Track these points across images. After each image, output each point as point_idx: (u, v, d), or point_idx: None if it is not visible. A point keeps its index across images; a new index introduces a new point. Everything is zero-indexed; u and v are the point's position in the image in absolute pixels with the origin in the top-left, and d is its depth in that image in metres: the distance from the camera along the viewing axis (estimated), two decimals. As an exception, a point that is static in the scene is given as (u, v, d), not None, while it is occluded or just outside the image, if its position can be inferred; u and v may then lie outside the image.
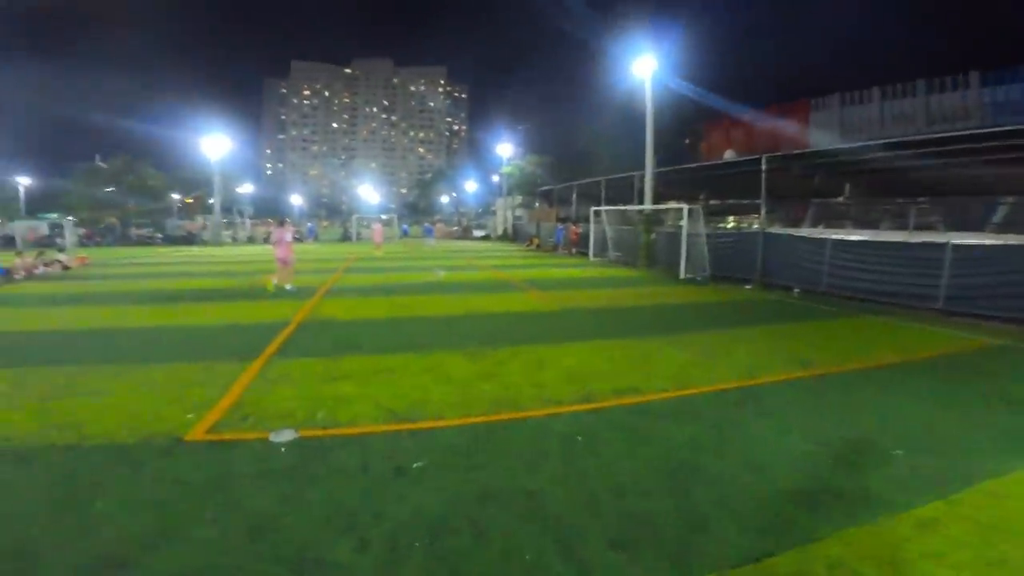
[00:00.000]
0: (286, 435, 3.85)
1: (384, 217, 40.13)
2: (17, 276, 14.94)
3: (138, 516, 2.86)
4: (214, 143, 35.96)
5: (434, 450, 3.65)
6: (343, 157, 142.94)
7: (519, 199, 40.01)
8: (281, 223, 12.70)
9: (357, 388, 4.95)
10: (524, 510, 2.91)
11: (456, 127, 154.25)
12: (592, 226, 20.00)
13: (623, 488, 3.14)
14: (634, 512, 2.89)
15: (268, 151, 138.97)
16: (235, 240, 37.88)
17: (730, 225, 20.30)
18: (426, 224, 40.71)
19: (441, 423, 4.15)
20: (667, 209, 16.81)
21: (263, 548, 2.57)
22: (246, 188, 52.71)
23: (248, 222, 41.80)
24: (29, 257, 17.01)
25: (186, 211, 48.93)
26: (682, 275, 14.04)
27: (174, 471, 3.34)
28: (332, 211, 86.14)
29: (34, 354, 6.25)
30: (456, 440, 3.83)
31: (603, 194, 20.63)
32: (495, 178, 59.69)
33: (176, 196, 47.41)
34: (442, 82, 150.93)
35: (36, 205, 48.77)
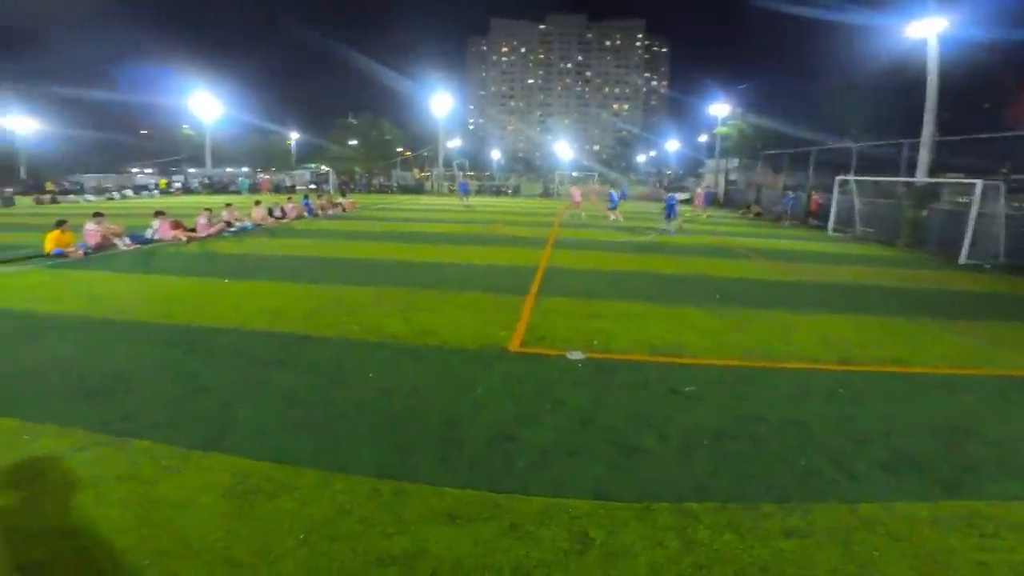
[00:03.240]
0: (578, 355, 5.18)
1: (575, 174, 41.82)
2: (319, 214, 20.40)
3: (504, 403, 4.06)
4: (439, 101, 41.51)
5: (700, 380, 4.62)
6: (539, 113, 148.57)
7: (735, 162, 37.30)
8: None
9: (614, 325, 6.20)
10: (793, 433, 3.70)
11: (655, 83, 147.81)
12: (835, 197, 18.19)
13: (891, 432, 3.73)
14: (903, 450, 3.49)
15: (470, 107, 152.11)
16: (452, 191, 43.68)
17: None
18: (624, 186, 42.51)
19: (700, 360, 5.13)
20: (949, 183, 14.47)
21: (593, 433, 3.64)
22: (455, 143, 59.64)
23: (461, 174, 47.44)
24: (323, 200, 22.90)
25: (406, 164, 57.77)
26: (962, 260, 12.37)
27: (513, 372, 4.75)
28: (528, 167, 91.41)
29: (378, 276, 8.89)
30: (718, 375, 4.76)
31: (854, 162, 18.49)
32: (702, 138, 55.81)
33: (398, 149, 56.27)
34: (639, 36, 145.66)
35: (302, 157, 63.08)
